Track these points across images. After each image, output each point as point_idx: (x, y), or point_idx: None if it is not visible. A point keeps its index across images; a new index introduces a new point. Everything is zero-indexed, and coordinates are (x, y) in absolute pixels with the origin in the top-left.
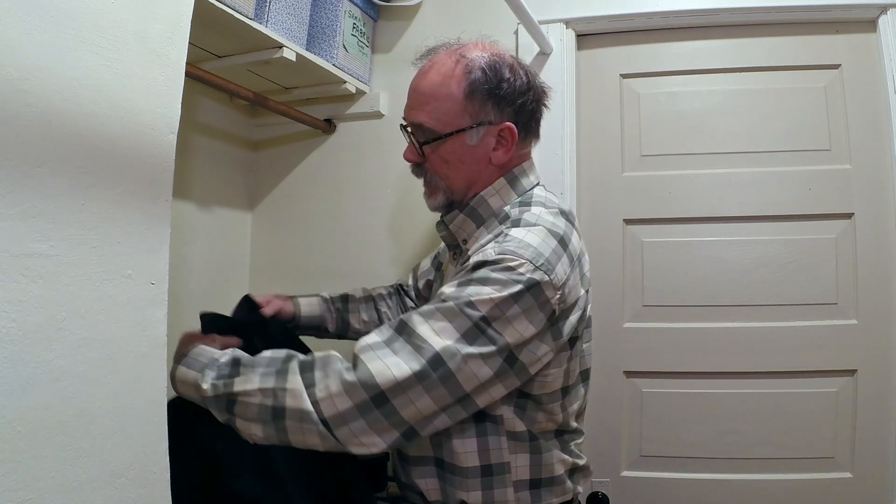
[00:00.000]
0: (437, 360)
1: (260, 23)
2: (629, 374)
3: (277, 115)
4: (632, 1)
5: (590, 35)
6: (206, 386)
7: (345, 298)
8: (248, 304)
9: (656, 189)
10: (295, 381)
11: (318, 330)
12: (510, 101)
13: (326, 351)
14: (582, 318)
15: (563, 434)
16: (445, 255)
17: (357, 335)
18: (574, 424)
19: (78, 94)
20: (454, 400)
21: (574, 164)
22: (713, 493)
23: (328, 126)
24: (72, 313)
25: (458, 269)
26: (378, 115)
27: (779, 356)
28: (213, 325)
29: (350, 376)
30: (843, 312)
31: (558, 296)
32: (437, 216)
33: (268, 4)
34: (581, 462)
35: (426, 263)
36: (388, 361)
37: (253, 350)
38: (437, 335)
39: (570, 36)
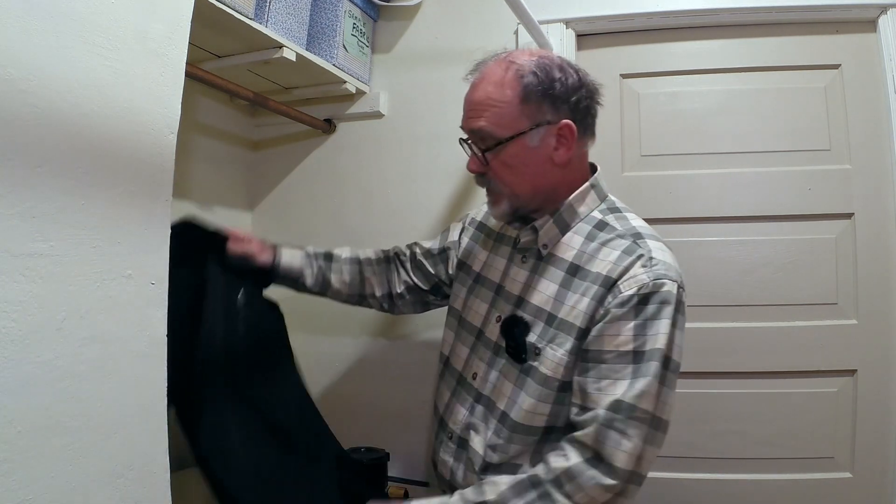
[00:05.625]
0: (658, 422)
1: (260, 23)
2: None
3: (277, 115)
4: (632, 1)
5: (590, 35)
6: None
7: (328, 256)
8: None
9: (656, 189)
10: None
11: (296, 283)
12: (565, 100)
13: (553, 465)
14: None
15: None
16: (478, 249)
17: (336, 296)
18: None
19: (78, 94)
20: (662, 434)
21: None
22: (713, 493)
23: (328, 126)
24: (72, 313)
25: (534, 274)
26: (378, 115)
27: (779, 356)
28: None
29: (606, 480)
30: (843, 312)
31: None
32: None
33: (268, 4)
34: None
35: (453, 235)
36: (626, 449)
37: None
38: (646, 398)
39: (570, 36)
